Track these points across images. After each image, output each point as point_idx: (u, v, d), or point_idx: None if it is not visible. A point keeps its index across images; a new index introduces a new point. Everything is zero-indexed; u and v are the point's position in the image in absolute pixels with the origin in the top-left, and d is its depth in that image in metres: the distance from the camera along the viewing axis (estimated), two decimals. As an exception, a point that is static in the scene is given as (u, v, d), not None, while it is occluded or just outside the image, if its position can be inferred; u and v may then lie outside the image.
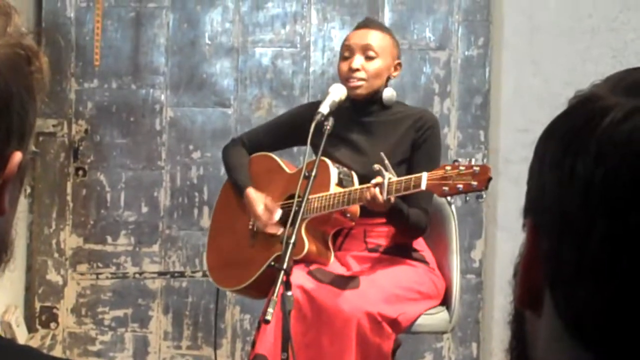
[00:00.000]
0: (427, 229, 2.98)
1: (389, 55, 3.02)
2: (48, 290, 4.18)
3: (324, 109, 2.87)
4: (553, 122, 0.71)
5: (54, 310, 4.18)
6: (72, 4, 4.15)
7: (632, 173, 0.63)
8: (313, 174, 2.71)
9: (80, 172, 4.17)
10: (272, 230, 3.02)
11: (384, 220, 2.92)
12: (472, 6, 4.04)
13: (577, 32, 3.86)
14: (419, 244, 3.05)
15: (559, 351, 0.68)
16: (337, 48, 3.94)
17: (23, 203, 4.05)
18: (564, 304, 0.67)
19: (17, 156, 0.82)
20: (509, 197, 3.77)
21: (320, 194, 2.88)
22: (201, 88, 4.15)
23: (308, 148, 2.74)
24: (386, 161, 2.70)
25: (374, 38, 3.01)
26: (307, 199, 2.70)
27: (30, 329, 4.15)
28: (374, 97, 3.03)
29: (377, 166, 2.70)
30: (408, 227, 2.91)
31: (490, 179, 2.56)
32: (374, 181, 2.71)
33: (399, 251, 3.01)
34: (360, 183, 2.90)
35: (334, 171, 2.93)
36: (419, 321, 2.92)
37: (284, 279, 2.50)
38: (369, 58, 2.99)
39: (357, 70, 2.97)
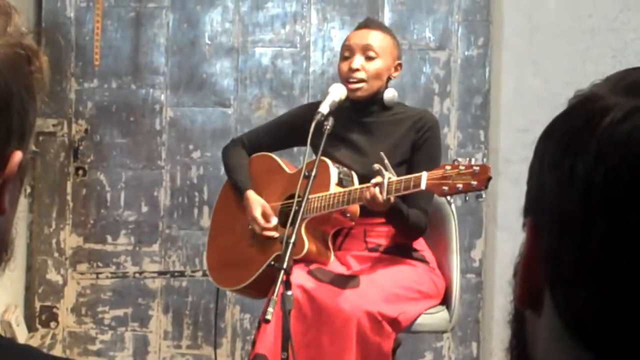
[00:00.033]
0: (426, 230, 2.98)
1: (389, 56, 3.02)
2: (48, 290, 4.18)
3: (324, 108, 2.87)
4: (553, 122, 0.71)
5: (54, 310, 4.18)
6: (72, 3, 4.15)
7: (632, 173, 0.63)
8: (313, 173, 2.71)
9: (80, 172, 4.17)
10: (268, 234, 3.02)
11: (384, 220, 2.92)
12: (472, 6, 4.04)
13: (577, 32, 3.86)
14: (419, 243, 3.05)
15: (559, 351, 0.68)
16: (337, 48, 3.95)
17: (23, 203, 4.05)
18: (564, 304, 0.67)
19: (17, 156, 0.82)
20: (509, 197, 3.77)
21: (320, 194, 2.88)
22: (201, 88, 4.15)
23: (308, 148, 2.74)
24: (386, 161, 2.70)
25: (375, 38, 3.01)
26: (307, 198, 2.70)
27: (30, 328, 4.15)
28: (375, 98, 3.03)
29: (376, 166, 2.70)
30: (407, 228, 2.91)
31: (489, 178, 2.56)
32: (373, 181, 2.71)
33: (399, 251, 3.01)
34: (360, 183, 2.90)
35: (334, 171, 2.93)
36: (419, 320, 2.92)
37: (284, 278, 2.49)
38: (369, 58, 2.99)
39: (357, 70, 2.97)
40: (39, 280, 4.18)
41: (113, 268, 4.17)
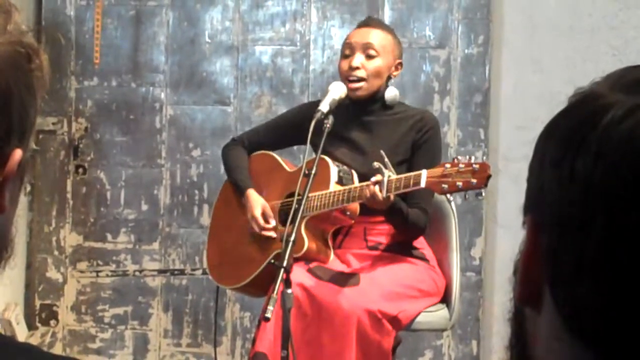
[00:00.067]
0: (425, 229, 2.97)
1: (389, 55, 3.02)
2: (48, 288, 4.18)
3: (324, 107, 2.87)
4: (553, 120, 0.71)
5: (54, 308, 4.18)
6: (72, 2, 4.15)
7: (633, 171, 0.63)
8: (313, 172, 2.71)
9: (80, 170, 4.17)
10: (266, 234, 3.02)
11: (384, 218, 2.92)
12: (472, 4, 4.04)
13: (577, 30, 3.86)
14: (419, 241, 3.05)
15: (558, 348, 0.68)
16: (337, 46, 3.95)
17: (23, 201, 4.05)
18: (564, 302, 0.67)
19: (18, 154, 0.82)
20: (509, 195, 3.77)
21: (320, 192, 2.88)
22: (201, 86, 4.15)
23: (308, 146, 2.74)
24: (386, 159, 2.70)
25: (375, 37, 3.01)
26: (307, 197, 2.70)
27: (30, 326, 4.15)
28: (375, 96, 3.03)
29: (376, 164, 2.70)
30: (407, 226, 2.91)
31: (489, 176, 2.56)
32: (373, 179, 2.71)
33: (399, 249, 3.01)
34: (360, 182, 2.90)
35: (333, 169, 2.93)
36: (419, 319, 2.92)
37: (284, 276, 2.49)
38: (369, 57, 2.99)
39: (357, 68, 2.97)
40: (39, 279, 4.18)
41: (113, 266, 4.17)
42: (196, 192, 4.15)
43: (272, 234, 3.01)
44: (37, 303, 4.18)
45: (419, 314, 2.92)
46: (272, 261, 2.85)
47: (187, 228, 4.15)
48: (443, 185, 2.59)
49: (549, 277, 0.68)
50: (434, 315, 2.98)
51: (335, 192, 2.87)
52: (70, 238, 4.17)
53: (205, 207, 4.11)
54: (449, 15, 4.05)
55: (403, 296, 2.88)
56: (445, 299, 3.04)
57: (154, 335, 4.16)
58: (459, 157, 2.61)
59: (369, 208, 2.80)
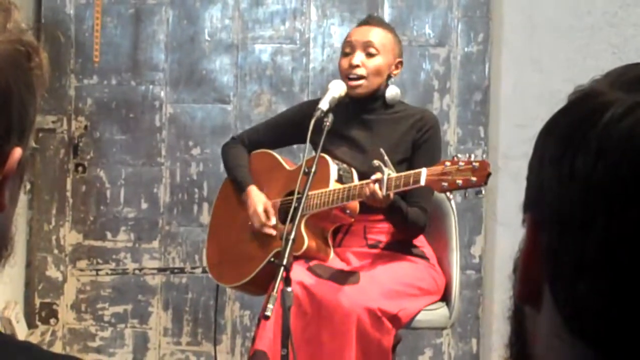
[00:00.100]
0: (425, 228, 2.97)
1: (390, 53, 3.02)
2: (48, 287, 4.18)
3: (324, 105, 2.87)
4: (553, 117, 0.71)
5: (54, 307, 4.18)
6: (71, 0, 4.15)
7: (633, 169, 0.63)
8: (313, 170, 2.71)
9: (80, 169, 4.17)
10: (267, 231, 3.02)
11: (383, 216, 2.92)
12: (472, 2, 4.04)
13: (577, 28, 3.86)
14: (419, 240, 3.05)
15: (558, 347, 0.68)
16: (337, 44, 3.95)
17: (23, 199, 4.05)
18: (564, 300, 0.67)
19: (17, 152, 0.82)
20: (509, 193, 3.77)
21: (320, 190, 2.88)
22: (201, 84, 4.15)
23: (308, 145, 2.73)
24: (385, 157, 2.70)
25: (376, 35, 3.01)
26: (307, 195, 2.70)
27: (30, 325, 4.15)
28: (375, 95, 3.03)
29: (376, 162, 2.70)
30: (406, 225, 2.91)
31: (489, 174, 2.56)
32: (373, 177, 2.71)
33: (399, 247, 3.01)
34: (360, 180, 2.90)
35: (333, 167, 2.93)
36: (418, 317, 2.92)
37: (284, 275, 2.49)
38: (369, 55, 2.99)
39: (357, 66, 2.97)
40: (39, 277, 4.18)
41: (113, 265, 4.17)
42: (196, 190, 4.15)
43: (272, 231, 3.01)
44: (37, 301, 4.18)
45: (418, 312, 2.92)
46: (272, 259, 2.84)
47: (186, 226, 4.15)
48: (443, 183, 2.59)
49: (548, 275, 0.68)
50: (434, 313, 2.99)
51: (335, 190, 2.87)
52: (70, 236, 4.17)
53: (205, 205, 4.11)
54: (448, 13, 4.05)
55: (403, 294, 2.88)
56: (445, 297, 3.04)
57: (153, 334, 4.16)
58: (459, 155, 2.61)
59: (369, 206, 2.80)
